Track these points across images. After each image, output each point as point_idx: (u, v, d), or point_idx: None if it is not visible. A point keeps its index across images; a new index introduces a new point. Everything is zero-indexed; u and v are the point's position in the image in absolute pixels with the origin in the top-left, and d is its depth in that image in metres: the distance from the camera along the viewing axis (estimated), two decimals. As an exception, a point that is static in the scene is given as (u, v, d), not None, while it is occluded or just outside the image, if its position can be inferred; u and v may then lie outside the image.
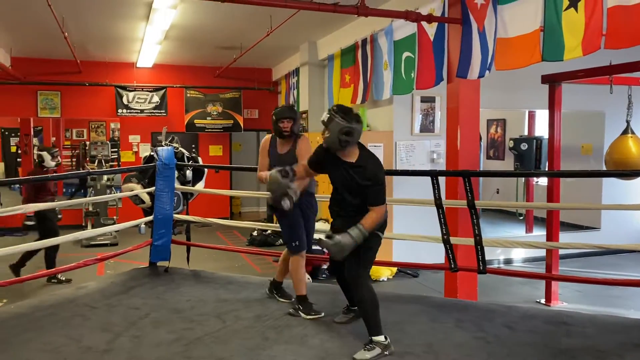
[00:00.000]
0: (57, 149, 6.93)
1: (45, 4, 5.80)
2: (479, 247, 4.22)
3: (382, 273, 6.74)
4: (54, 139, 15.57)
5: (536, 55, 4.37)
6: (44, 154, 6.69)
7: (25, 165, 12.78)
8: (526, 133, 9.95)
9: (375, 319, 3.42)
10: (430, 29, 5.61)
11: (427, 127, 7.23)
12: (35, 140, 13.65)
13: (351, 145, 3.46)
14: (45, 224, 6.40)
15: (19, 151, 14.33)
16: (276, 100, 11.98)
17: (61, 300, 4.55)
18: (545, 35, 4.26)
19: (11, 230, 9.82)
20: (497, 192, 11.51)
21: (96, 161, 10.20)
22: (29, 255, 6.33)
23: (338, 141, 3.39)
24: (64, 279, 6.52)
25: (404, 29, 6.09)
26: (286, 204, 3.72)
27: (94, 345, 3.58)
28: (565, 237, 6.53)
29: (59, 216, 6.88)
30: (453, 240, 4.39)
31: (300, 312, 4.09)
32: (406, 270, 6.98)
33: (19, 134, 14.35)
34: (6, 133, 15.93)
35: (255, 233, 9.30)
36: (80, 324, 4.00)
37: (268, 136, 4.33)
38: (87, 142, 12.14)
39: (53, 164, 6.67)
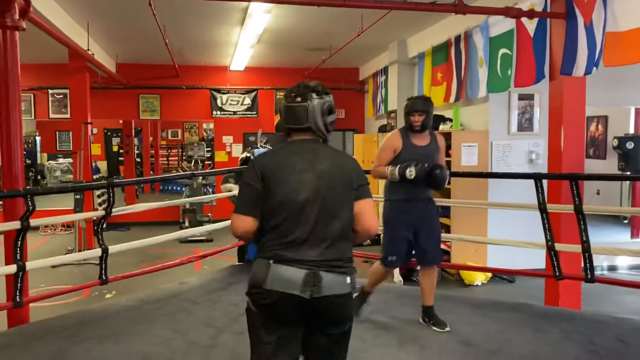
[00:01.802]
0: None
1: (150, 14, 6.13)
2: (586, 254, 3.99)
3: (476, 277, 6.55)
4: (152, 138, 16.51)
5: (652, 50, 4.07)
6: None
7: (127, 164, 13.64)
8: (632, 131, 9.30)
9: None
10: (530, 25, 5.37)
11: (525, 126, 6.92)
12: (135, 141, 14.53)
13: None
14: None
15: (121, 151, 15.32)
16: (363, 100, 11.97)
17: (166, 295, 4.80)
18: (663, 28, 3.96)
19: (115, 226, 10.50)
20: (598, 194, 10.83)
21: (192, 161, 10.68)
22: None
23: (323, 124, 2.29)
24: None
25: (501, 25, 5.88)
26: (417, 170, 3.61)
27: (199, 340, 3.74)
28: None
29: None
30: (558, 246, 4.18)
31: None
32: (502, 275, 6.74)
33: (119, 134, 15.35)
34: (108, 134, 17.02)
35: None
36: (185, 318, 4.20)
37: (396, 131, 3.96)
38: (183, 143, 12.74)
39: None
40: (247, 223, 2.16)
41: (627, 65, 4.40)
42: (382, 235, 4.02)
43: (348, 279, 2.14)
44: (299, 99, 2.26)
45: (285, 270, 2.09)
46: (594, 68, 4.54)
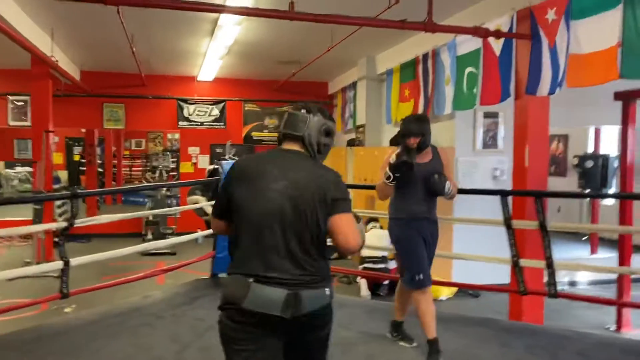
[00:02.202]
0: None
1: (117, 22, 6.03)
2: (550, 270, 4.08)
3: (441, 292, 6.60)
4: (115, 148, 16.18)
5: (613, 73, 4.20)
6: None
7: (89, 174, 13.31)
8: (590, 150, 9.60)
9: None
10: (497, 45, 5.50)
11: (489, 144, 7.07)
12: (98, 150, 14.21)
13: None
14: None
15: (82, 160, 14.93)
16: (332, 114, 12.01)
17: (129, 309, 4.68)
18: (624, 51, 4.10)
19: (75, 237, 10.19)
20: (559, 211, 11.12)
21: (157, 172, 10.50)
22: None
23: (317, 141, 2.25)
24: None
25: (468, 44, 6.00)
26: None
27: (163, 356, 3.65)
28: (638, 260, 6.20)
29: None
30: (522, 262, 4.25)
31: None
32: (467, 289, 6.81)
33: (82, 143, 14.97)
34: (70, 142, 16.59)
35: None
36: (149, 333, 4.09)
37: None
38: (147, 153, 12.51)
39: None
40: (218, 224, 2.34)
41: (588, 87, 4.54)
42: (397, 258, 3.93)
43: (327, 291, 2.12)
44: (303, 110, 2.26)
45: (266, 291, 2.01)
46: (558, 88, 4.67)
